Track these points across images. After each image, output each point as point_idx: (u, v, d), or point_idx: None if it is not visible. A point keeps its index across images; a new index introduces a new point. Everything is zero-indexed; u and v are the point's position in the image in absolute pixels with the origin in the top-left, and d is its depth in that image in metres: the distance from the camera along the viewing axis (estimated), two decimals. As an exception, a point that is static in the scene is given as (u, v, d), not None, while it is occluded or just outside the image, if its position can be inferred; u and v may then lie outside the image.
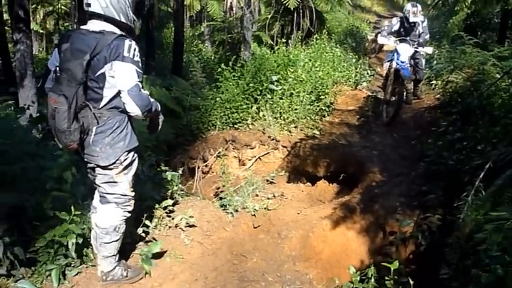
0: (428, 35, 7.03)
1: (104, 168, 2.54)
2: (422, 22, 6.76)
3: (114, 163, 2.53)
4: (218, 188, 5.30)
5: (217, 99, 6.00)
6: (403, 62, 6.12)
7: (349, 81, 7.85)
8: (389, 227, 4.09)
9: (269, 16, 11.40)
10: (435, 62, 8.39)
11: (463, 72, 6.67)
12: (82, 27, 2.52)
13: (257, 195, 4.81)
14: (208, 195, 5.21)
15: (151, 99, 2.58)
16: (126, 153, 2.57)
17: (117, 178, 2.58)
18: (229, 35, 11.06)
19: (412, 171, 4.88)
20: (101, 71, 2.38)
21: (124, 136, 2.55)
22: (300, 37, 10.40)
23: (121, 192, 2.61)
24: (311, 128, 5.89)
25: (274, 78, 6.21)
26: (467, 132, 4.94)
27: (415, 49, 6.36)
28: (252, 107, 5.92)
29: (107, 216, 2.63)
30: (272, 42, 10.95)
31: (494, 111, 5.10)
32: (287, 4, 10.26)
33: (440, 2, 11.45)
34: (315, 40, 10.03)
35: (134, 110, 2.44)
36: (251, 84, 6.10)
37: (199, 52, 12.13)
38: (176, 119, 5.83)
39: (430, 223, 3.86)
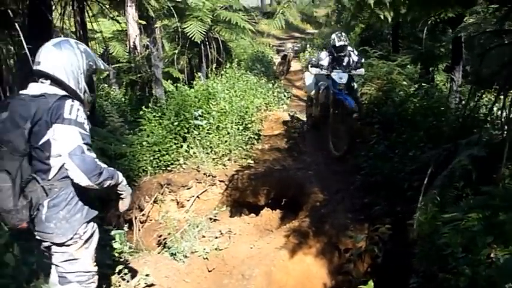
0: (362, 68, 6.44)
1: (61, 245, 2.25)
2: (355, 53, 6.55)
3: (71, 238, 2.25)
4: (160, 236, 5.05)
5: (144, 143, 5.75)
6: (340, 90, 5.98)
7: (270, 106, 8.00)
8: (343, 245, 4.14)
9: (176, 51, 11.31)
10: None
11: (374, 84, 7.10)
12: (22, 92, 2.28)
13: (204, 236, 4.66)
14: (150, 246, 4.94)
15: (104, 166, 2.26)
16: (85, 225, 2.31)
17: (77, 254, 2.29)
18: (139, 75, 10.77)
19: (350, 186, 5.03)
20: (45, 138, 2.15)
21: (81, 207, 2.29)
22: (211, 68, 10.45)
23: (83, 270, 2.33)
24: (244, 158, 5.86)
25: (198, 113, 6.12)
26: (391, 140, 5.24)
27: (349, 73, 6.17)
28: (181, 146, 5.76)
29: None
30: (183, 77, 10.85)
31: (408, 116, 5.46)
32: (193, 38, 10.26)
33: (334, 19, 12.20)
34: (225, 70, 10.16)
35: (79, 176, 2.13)
36: (176, 123, 5.95)
37: (107, 96, 11.67)
38: (103, 170, 5.47)
39: (382, 234, 3.98)
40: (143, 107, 6.27)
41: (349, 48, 6.50)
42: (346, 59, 6.41)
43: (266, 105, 8.04)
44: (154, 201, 5.44)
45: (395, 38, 10.65)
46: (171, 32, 12.77)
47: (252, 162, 5.82)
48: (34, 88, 2.24)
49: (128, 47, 13.18)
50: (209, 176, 5.55)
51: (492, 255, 2.53)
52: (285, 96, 8.92)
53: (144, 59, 11.53)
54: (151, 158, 5.63)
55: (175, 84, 9.57)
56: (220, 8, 11.16)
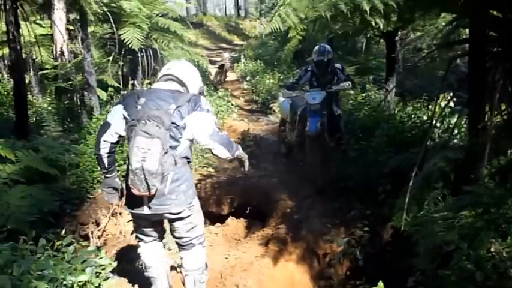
0: (347, 82, 5.38)
1: (182, 217, 2.75)
2: (341, 70, 5.55)
3: (186, 208, 2.74)
4: (119, 251, 4.74)
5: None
6: (315, 112, 5.10)
7: (221, 114, 7.92)
8: (322, 250, 4.18)
9: (110, 58, 10.81)
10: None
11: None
12: (154, 86, 2.83)
13: (170, 249, 4.45)
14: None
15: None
16: (196, 198, 2.88)
17: (195, 220, 2.85)
18: (69, 82, 10.13)
19: (317, 192, 5.11)
20: (182, 121, 2.61)
21: (193, 184, 2.85)
22: (146, 77, 10.17)
23: (200, 233, 2.92)
24: (205, 167, 5.73)
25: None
26: (361, 147, 5.39)
27: (328, 90, 5.23)
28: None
29: (199, 257, 2.95)
30: (119, 85, 10.39)
31: (369, 124, 5.70)
32: (131, 45, 9.87)
33: (269, 31, 12.43)
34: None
35: (222, 151, 2.73)
36: (130, 131, 5.65)
37: (30, 104, 10.81)
38: (54, 182, 5.02)
39: (359, 237, 4.07)
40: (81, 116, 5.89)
41: (336, 65, 5.58)
42: (329, 77, 5.42)
43: (217, 113, 7.95)
44: (112, 215, 5.11)
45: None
46: (99, 38, 12.27)
47: (213, 171, 5.70)
48: (168, 84, 2.76)
49: (54, 52, 12.38)
50: (171, 185, 5.33)
51: (492, 249, 2.69)
52: (232, 105, 8.89)
53: (74, 65, 10.89)
54: (107, 168, 5.29)
55: (109, 93, 9.19)
56: (157, 15, 10.90)
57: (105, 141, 2.66)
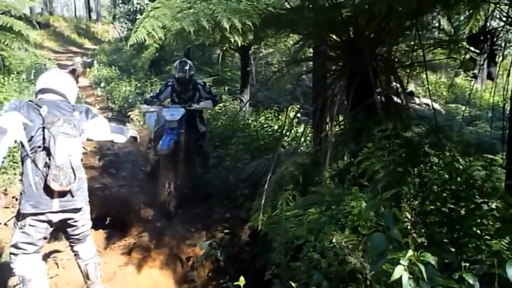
0: (209, 101, 5.22)
1: (82, 213, 3.17)
2: (203, 85, 5.38)
3: (86, 204, 3.23)
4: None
5: None
6: (173, 130, 4.89)
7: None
8: (185, 254, 4.32)
9: None
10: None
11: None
12: (41, 98, 3.07)
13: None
14: None
15: None
16: None
17: (88, 215, 3.29)
18: None
19: (180, 199, 5.21)
20: (83, 126, 3.14)
21: None
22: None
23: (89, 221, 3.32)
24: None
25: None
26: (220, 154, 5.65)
27: (188, 107, 5.04)
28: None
29: (92, 245, 3.42)
30: None
31: (229, 132, 6.03)
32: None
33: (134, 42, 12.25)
34: (2, 81, 9.08)
35: (122, 138, 3.59)
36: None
37: None
38: None
39: (221, 239, 4.31)
40: None
41: (198, 81, 5.47)
42: (190, 93, 5.29)
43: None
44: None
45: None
46: None
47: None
48: (51, 97, 3.10)
49: None
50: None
51: (334, 240, 3.13)
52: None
53: None
54: None
55: None
56: (-3, 13, 9.86)
57: (4, 145, 2.77)
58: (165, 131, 4.98)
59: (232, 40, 3.65)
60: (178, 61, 5.41)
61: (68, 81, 3.22)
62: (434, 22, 5.97)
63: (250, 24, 3.11)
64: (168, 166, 4.89)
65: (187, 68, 5.19)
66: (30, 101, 3.00)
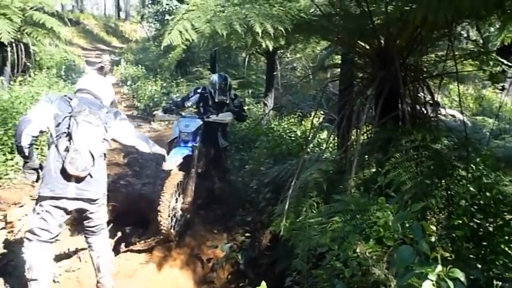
0: (230, 112, 4.80)
1: (98, 204, 3.21)
2: (233, 99, 4.98)
3: (103, 196, 3.28)
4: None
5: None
6: (186, 142, 4.50)
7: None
8: (205, 255, 4.33)
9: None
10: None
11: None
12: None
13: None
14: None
15: None
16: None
17: (105, 207, 3.38)
18: None
19: (199, 200, 5.24)
20: (109, 124, 3.25)
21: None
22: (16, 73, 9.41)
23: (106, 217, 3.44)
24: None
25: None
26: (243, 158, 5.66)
27: (206, 119, 4.60)
28: (11, 158, 5.07)
29: (106, 239, 3.49)
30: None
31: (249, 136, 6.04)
32: (-1, 37, 9.00)
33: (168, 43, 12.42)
34: (33, 75, 9.31)
35: (145, 147, 3.70)
36: (1, 132, 5.23)
37: None
38: None
39: (242, 242, 4.32)
40: None
41: (231, 93, 4.99)
42: (222, 109, 4.82)
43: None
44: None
45: (213, 63, 11.40)
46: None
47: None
48: (85, 96, 3.30)
49: None
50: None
51: (358, 250, 3.11)
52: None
53: None
54: (-28, 172, 4.83)
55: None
56: (31, 9, 10.10)
57: (27, 134, 2.93)
58: (178, 143, 4.55)
59: (263, 45, 3.66)
60: (217, 76, 4.97)
61: (105, 85, 3.42)
62: (463, 32, 5.90)
63: (282, 29, 3.12)
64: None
65: (227, 89, 4.82)
66: (64, 95, 3.18)
